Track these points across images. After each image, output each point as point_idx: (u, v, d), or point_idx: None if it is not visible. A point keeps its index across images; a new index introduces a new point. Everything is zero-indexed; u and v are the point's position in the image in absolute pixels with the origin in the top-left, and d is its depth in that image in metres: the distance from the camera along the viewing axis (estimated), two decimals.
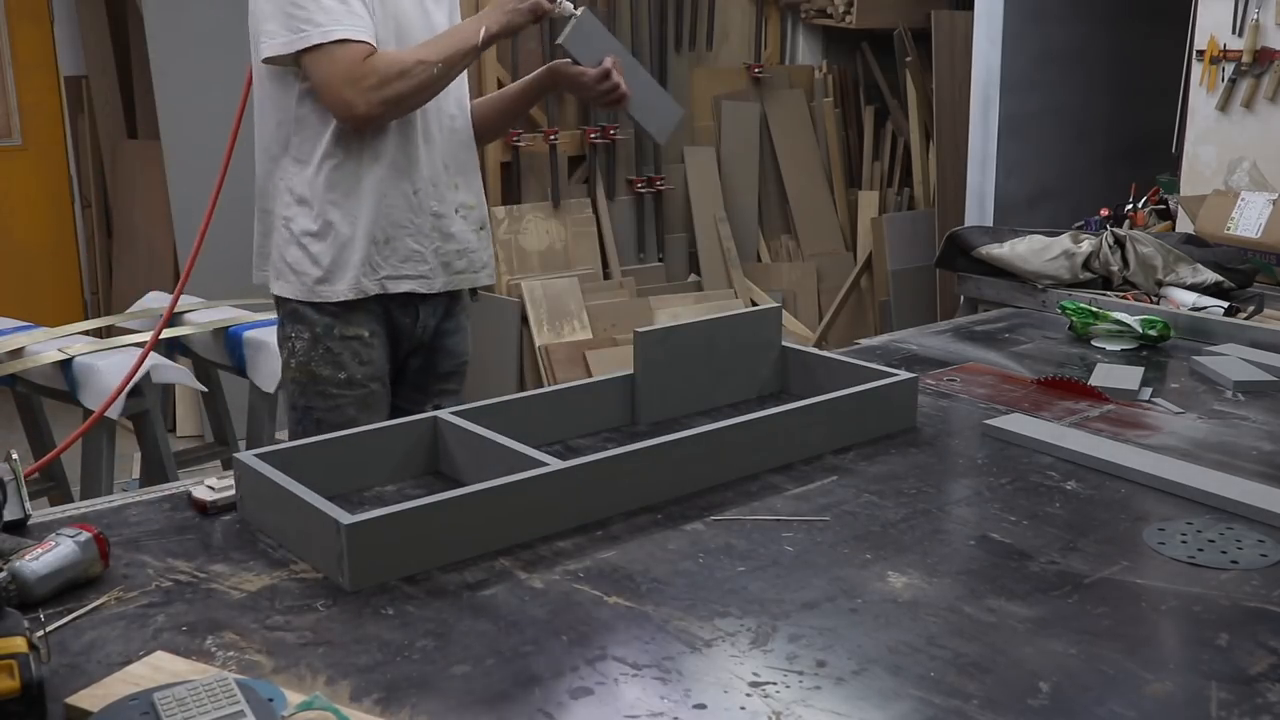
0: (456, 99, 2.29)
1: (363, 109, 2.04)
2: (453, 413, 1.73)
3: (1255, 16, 3.87)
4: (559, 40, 2.23)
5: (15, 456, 1.52)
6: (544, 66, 2.36)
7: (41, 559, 1.31)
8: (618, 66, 2.27)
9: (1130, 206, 3.94)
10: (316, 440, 1.64)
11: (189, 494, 1.58)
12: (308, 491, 1.41)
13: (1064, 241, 2.98)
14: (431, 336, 2.33)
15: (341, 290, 2.17)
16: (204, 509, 1.55)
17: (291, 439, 1.93)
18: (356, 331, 2.20)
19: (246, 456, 1.52)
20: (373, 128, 2.11)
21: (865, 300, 5.93)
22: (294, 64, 2.07)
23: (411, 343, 2.30)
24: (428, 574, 1.37)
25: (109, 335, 3.59)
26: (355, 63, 2.02)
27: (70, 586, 1.33)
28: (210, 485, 1.57)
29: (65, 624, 1.25)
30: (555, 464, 1.52)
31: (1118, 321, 2.45)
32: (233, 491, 1.56)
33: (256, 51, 2.09)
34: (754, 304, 5.68)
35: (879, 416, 1.86)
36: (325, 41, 2.01)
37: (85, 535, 1.34)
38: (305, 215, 2.15)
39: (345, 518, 1.33)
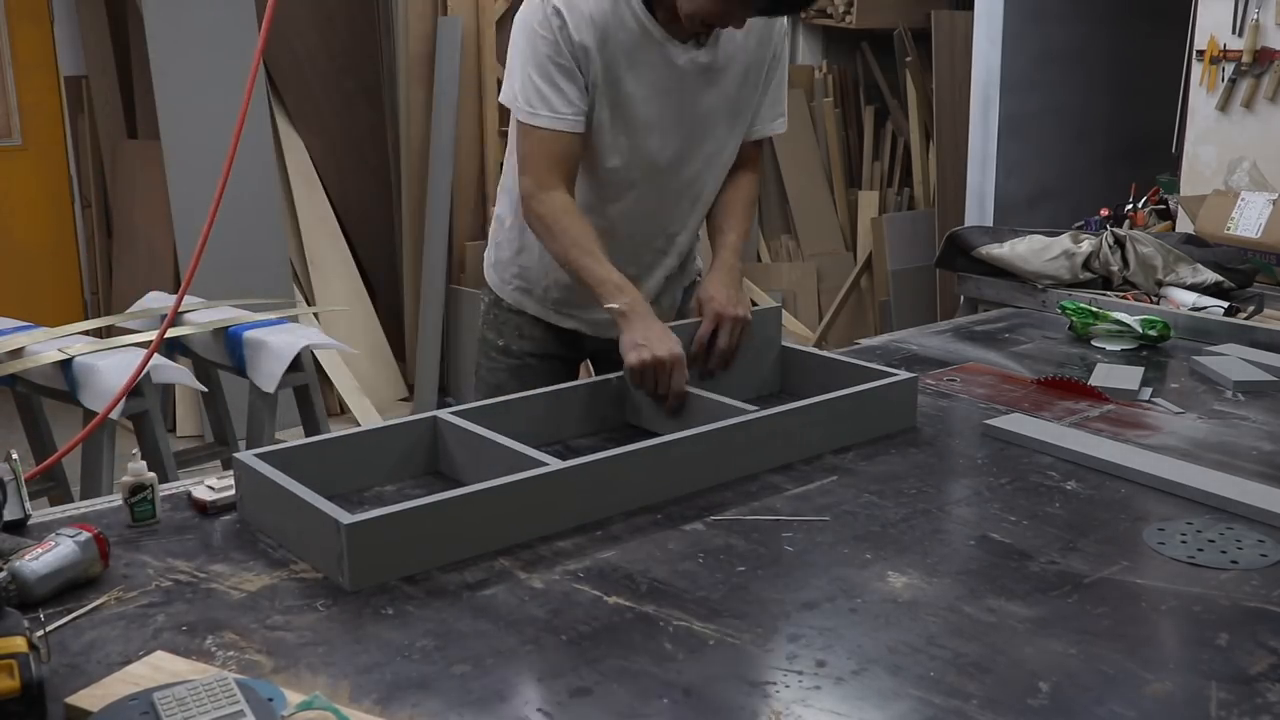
0: (707, 173, 2.14)
1: (521, 205, 2.03)
2: (452, 413, 1.73)
3: (1255, 16, 3.87)
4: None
5: (15, 456, 1.52)
6: (719, 309, 2.10)
7: (41, 559, 1.32)
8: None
9: (1130, 206, 3.94)
10: (315, 440, 1.64)
11: (189, 494, 1.58)
12: (307, 491, 1.40)
13: (1064, 241, 2.97)
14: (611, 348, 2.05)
15: (499, 286, 2.23)
16: (204, 509, 1.55)
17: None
18: (521, 308, 2.23)
19: (246, 456, 1.52)
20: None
21: (865, 300, 5.93)
22: None
23: (583, 353, 2.30)
24: (428, 574, 1.37)
25: (109, 335, 3.59)
26: (536, 157, 1.97)
27: (70, 586, 1.33)
28: (210, 485, 1.57)
29: (65, 624, 1.25)
30: (555, 464, 1.52)
31: (1118, 321, 2.45)
32: (232, 491, 1.56)
33: None
34: (754, 304, 5.68)
35: (879, 416, 1.86)
36: (525, 122, 1.96)
37: (85, 535, 1.35)
38: (505, 205, 2.18)
39: (345, 517, 1.33)
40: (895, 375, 1.90)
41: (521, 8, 1.99)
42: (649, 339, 1.87)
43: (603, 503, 1.54)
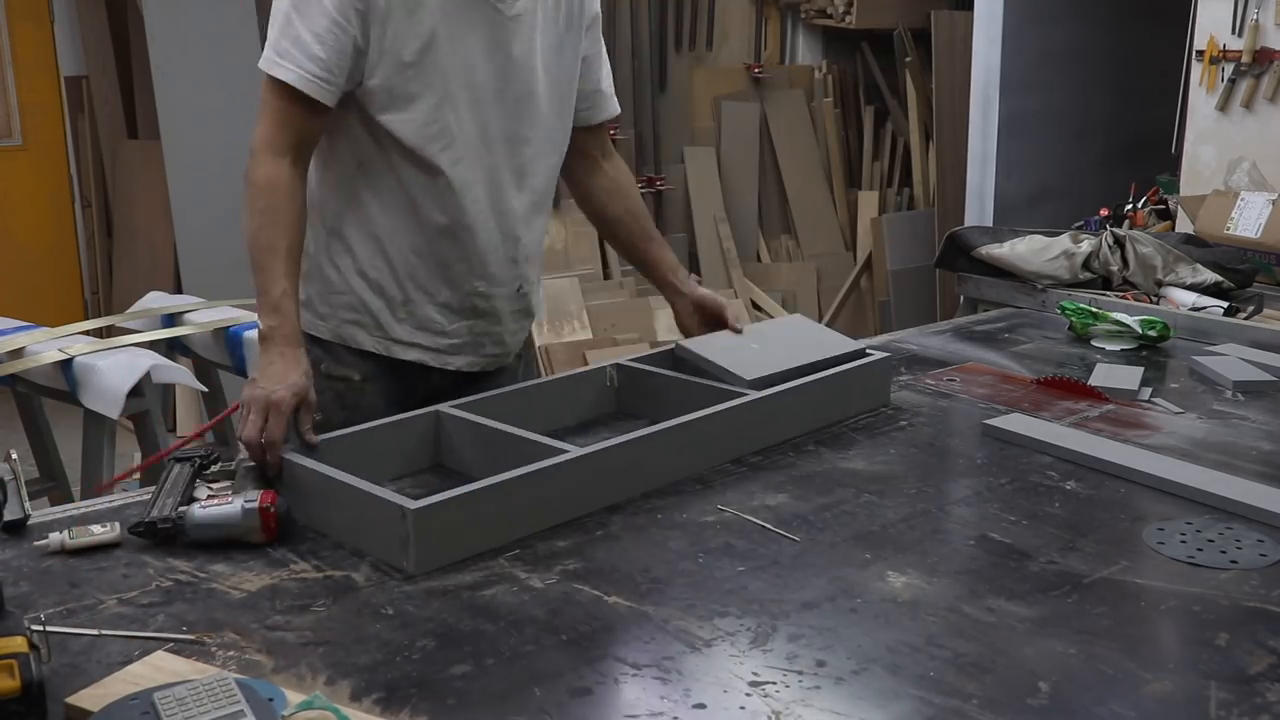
0: (537, 180, 1.93)
1: (250, 150, 1.75)
2: (454, 405, 1.76)
3: (1255, 16, 3.88)
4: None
5: (15, 456, 1.52)
6: (686, 299, 2.09)
7: (209, 510, 1.43)
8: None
9: (1130, 206, 3.94)
10: (321, 438, 1.64)
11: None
12: (364, 482, 1.44)
13: (1064, 241, 2.98)
14: (455, 396, 1.87)
15: (323, 329, 1.90)
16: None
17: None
18: (345, 373, 1.91)
19: (291, 454, 1.55)
20: None
21: (865, 300, 5.93)
22: None
23: (424, 401, 1.90)
24: (427, 574, 1.37)
25: (109, 335, 3.59)
26: (269, 120, 1.73)
27: (229, 543, 1.43)
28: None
29: (65, 625, 1.25)
30: (614, 439, 1.59)
31: (1117, 322, 2.45)
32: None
33: None
34: (754, 304, 5.68)
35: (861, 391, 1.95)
36: (268, 72, 1.72)
37: (255, 504, 1.43)
38: (311, 234, 1.86)
39: (410, 503, 1.37)
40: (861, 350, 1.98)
41: None
42: (268, 382, 1.60)
43: (633, 481, 1.60)
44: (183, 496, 1.48)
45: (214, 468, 1.57)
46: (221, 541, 1.44)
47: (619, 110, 2.11)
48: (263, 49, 1.77)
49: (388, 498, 1.40)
